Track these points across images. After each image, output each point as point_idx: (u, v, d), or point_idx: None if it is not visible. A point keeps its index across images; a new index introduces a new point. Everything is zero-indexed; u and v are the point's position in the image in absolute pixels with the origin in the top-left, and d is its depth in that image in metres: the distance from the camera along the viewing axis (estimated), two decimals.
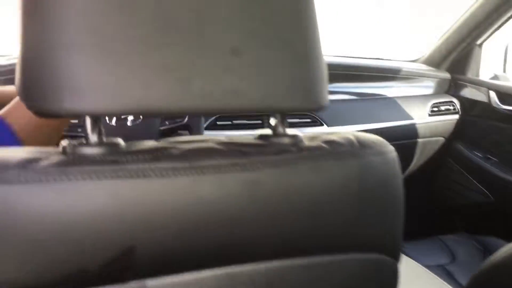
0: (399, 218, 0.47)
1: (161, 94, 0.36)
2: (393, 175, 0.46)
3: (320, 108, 0.42)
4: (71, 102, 0.35)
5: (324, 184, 0.42)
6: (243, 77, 0.38)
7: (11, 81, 1.27)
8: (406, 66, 1.74)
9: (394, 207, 0.46)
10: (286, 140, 0.43)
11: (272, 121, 0.45)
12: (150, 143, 0.41)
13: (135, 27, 0.35)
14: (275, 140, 0.44)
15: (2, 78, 1.25)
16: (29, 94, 0.38)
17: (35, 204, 0.35)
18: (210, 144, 0.41)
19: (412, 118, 1.62)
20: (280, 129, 0.44)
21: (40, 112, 0.37)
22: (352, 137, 0.46)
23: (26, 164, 0.36)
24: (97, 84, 0.35)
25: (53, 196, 0.35)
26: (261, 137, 0.44)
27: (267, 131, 0.45)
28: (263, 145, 0.42)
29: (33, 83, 0.37)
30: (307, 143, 0.44)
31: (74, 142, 0.39)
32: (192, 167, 0.38)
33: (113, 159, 0.37)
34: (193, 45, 0.37)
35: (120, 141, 0.40)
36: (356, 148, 0.44)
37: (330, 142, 0.44)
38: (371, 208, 0.44)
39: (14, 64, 1.29)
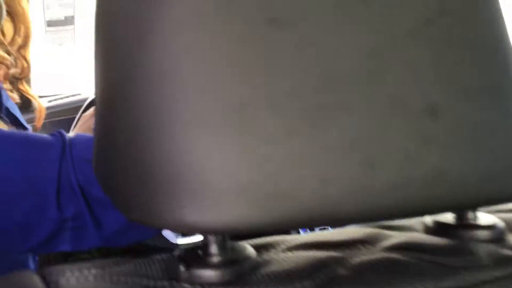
0: None
1: (336, 190, 0.22)
2: None
3: None
4: (195, 213, 0.22)
5: None
6: (448, 151, 0.24)
7: (53, 124, 1.18)
8: None
9: None
10: (482, 234, 0.29)
11: None
12: (285, 251, 0.28)
13: (287, 88, 0.22)
14: (468, 234, 0.29)
15: (46, 121, 1.17)
16: (120, 194, 0.25)
17: None
18: (382, 253, 0.27)
19: None
20: (471, 215, 0.30)
21: (140, 222, 0.24)
22: None
23: None
24: (237, 182, 0.21)
25: None
26: (441, 228, 0.30)
27: (447, 218, 0.31)
28: (462, 250, 0.28)
29: (125, 178, 0.24)
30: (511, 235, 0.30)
31: (189, 257, 0.25)
32: None
33: None
34: (373, 106, 0.23)
35: (250, 250, 0.27)
36: None
37: None
38: None
39: (56, 106, 1.22)
